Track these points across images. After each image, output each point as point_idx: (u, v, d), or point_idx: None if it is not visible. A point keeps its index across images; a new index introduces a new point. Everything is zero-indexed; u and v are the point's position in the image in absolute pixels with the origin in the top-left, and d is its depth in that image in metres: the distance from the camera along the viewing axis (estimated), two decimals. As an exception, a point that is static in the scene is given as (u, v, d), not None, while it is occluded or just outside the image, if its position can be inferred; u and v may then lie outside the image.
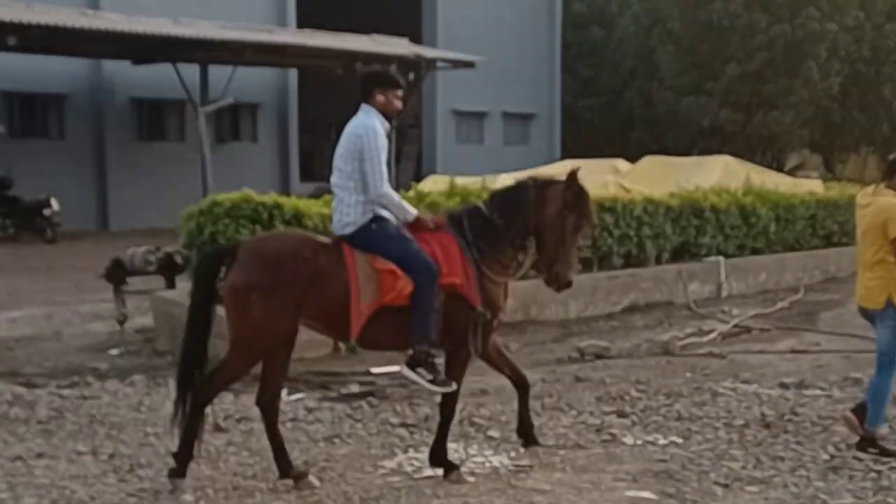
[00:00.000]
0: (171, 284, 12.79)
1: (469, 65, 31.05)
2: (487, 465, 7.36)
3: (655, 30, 40.86)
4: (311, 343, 11.31)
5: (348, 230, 6.76)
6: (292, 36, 29.05)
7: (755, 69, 35.29)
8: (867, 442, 7.50)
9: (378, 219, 6.81)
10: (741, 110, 36.17)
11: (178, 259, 12.29)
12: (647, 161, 20.98)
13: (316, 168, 40.23)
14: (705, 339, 12.64)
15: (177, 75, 26.48)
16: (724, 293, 16.31)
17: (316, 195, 13.61)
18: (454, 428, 8.03)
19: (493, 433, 8.10)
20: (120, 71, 29.83)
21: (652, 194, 15.71)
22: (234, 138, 33.46)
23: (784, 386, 9.72)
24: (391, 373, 10.35)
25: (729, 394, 9.35)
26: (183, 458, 6.69)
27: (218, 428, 8.25)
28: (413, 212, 7.01)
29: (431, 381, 6.78)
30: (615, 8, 44.43)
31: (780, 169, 38.48)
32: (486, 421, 8.42)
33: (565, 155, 35.75)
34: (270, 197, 11.35)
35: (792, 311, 15.23)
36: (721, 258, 16.40)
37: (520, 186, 7.21)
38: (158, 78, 28.44)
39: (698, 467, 7.17)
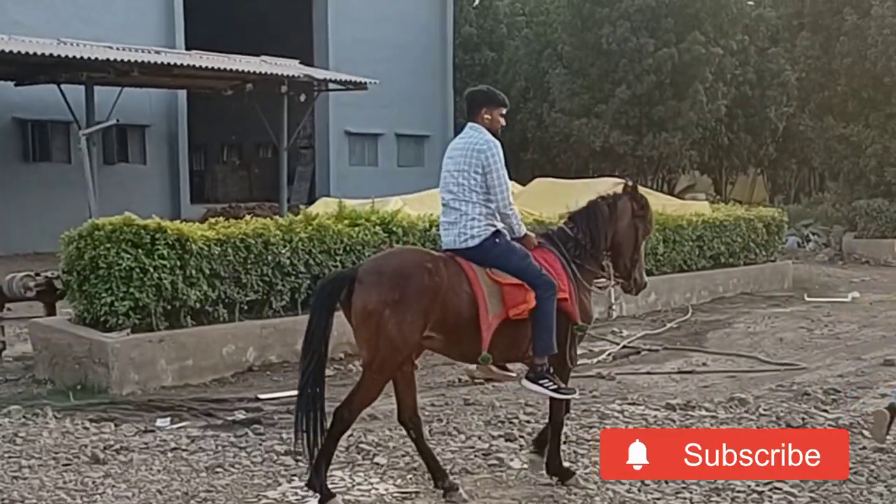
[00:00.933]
0: (51, 311, 12.42)
1: (361, 86, 30.92)
2: (373, 492, 7.26)
3: (545, 52, 41.24)
4: (196, 369, 11.17)
5: (471, 243, 6.98)
6: (180, 57, 28.59)
7: (644, 92, 35.83)
8: None
9: (499, 233, 7.07)
10: (631, 132, 36.66)
11: (58, 284, 11.93)
12: (538, 183, 21.12)
13: (207, 190, 39.79)
14: (595, 360, 12.70)
15: (61, 96, 25.88)
16: (615, 314, 16.22)
17: (203, 220, 13.38)
18: (340, 454, 7.92)
19: (380, 460, 7.98)
20: (2, 91, 29.01)
21: (542, 216, 15.77)
22: (123, 160, 32.76)
23: (670, 407, 9.78)
24: (279, 398, 10.21)
25: (616, 415, 9.39)
26: (320, 485, 6.73)
27: (96, 459, 8.00)
28: (524, 228, 7.30)
29: (556, 391, 7.10)
30: (505, 30, 44.78)
31: (671, 190, 39.20)
32: (374, 447, 8.30)
33: (459, 176, 35.81)
34: (153, 220, 11.09)
35: (680, 331, 15.40)
36: (611, 280, 16.49)
37: (595, 205, 7.69)
38: (43, 98, 27.74)
39: (583, 491, 7.16)
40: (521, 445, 8.38)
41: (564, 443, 8.31)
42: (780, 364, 12.39)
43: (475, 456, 8.09)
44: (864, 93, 30.24)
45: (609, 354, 13.07)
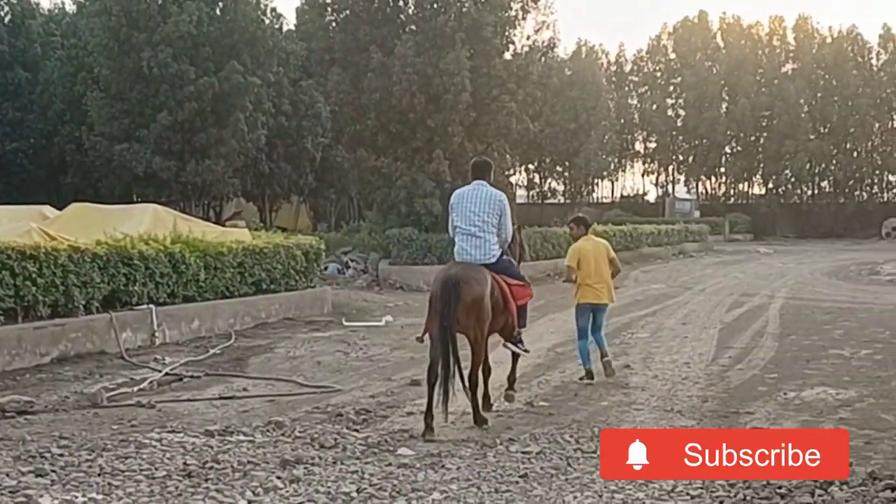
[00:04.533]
0: None
1: None
2: None
3: (81, 75, 40.14)
4: None
5: (492, 259, 10.52)
6: None
7: (186, 118, 35.76)
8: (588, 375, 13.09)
9: (504, 252, 10.79)
10: (174, 158, 36.44)
11: None
12: (75, 208, 20.34)
13: None
14: (136, 388, 12.44)
15: None
16: (158, 341, 16.20)
17: None
18: None
19: None
20: None
21: (77, 242, 15.28)
22: None
23: (209, 433, 9.72)
24: None
25: (154, 444, 9.21)
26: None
27: None
28: None
29: (524, 350, 11.36)
30: (39, 50, 43.03)
31: (218, 217, 39.27)
32: None
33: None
34: None
35: (223, 357, 15.42)
36: (153, 306, 16.29)
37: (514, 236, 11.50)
38: None
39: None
40: (52, 481, 8.00)
41: (100, 475, 8.08)
42: (317, 387, 12.74)
43: (1, 494, 7.63)
44: (392, 127, 31.73)
45: (151, 382, 12.85)
